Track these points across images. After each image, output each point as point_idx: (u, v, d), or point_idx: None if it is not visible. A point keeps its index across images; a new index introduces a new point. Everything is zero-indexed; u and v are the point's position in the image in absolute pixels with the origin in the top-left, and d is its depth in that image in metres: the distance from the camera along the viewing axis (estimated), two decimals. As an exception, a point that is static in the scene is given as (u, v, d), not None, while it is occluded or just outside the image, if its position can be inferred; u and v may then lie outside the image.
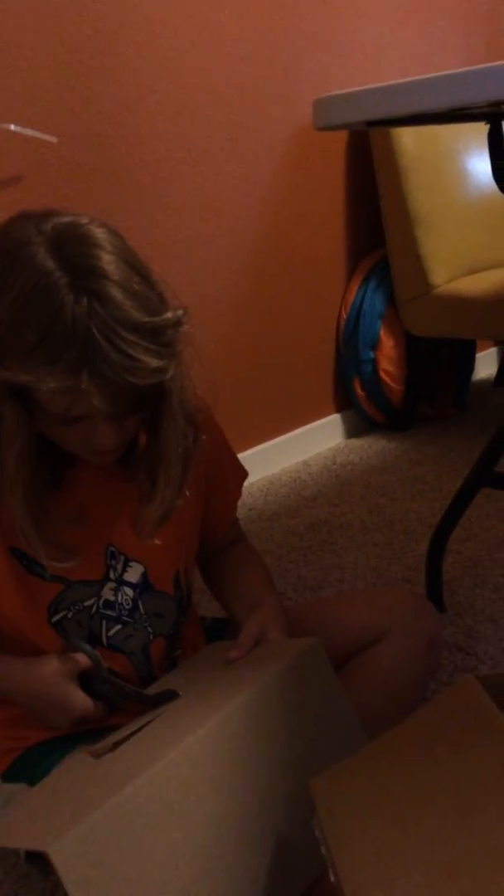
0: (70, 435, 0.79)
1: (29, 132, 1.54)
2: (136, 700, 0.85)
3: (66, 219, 0.75)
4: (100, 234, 0.75)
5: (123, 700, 0.86)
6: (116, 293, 0.72)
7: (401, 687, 0.99)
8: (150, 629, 0.92)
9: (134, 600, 0.91)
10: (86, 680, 0.86)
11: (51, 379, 0.70)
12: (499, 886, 0.52)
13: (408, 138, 2.12)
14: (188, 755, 0.70)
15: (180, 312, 0.76)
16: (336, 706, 0.80)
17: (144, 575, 0.92)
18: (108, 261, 0.73)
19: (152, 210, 1.79)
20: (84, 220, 0.76)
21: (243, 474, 1.07)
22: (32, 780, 0.86)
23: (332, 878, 0.60)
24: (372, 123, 1.11)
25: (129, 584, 0.91)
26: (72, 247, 0.73)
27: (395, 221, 2.18)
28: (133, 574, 0.91)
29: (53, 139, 1.58)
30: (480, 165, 2.26)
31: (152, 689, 0.89)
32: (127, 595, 0.91)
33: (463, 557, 1.59)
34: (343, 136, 2.21)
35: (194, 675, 0.89)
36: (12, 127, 1.52)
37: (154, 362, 0.73)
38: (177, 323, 0.76)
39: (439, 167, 2.19)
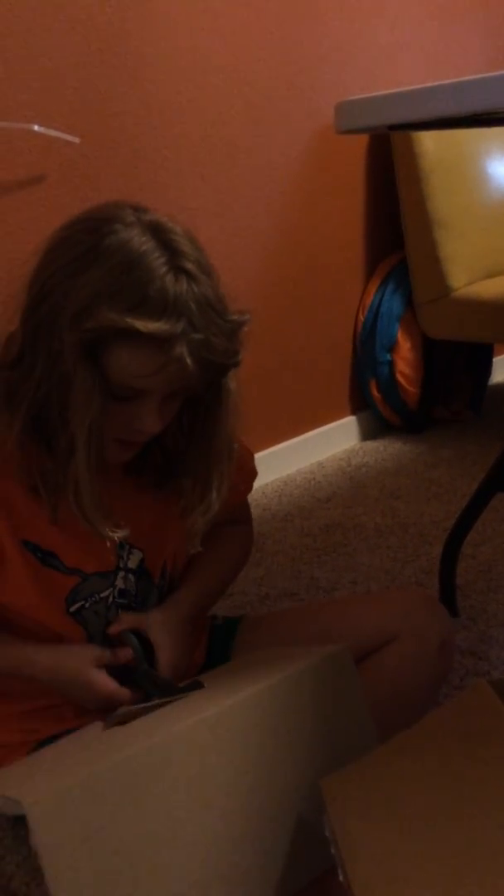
0: (116, 413, 0.80)
1: (52, 132, 1.56)
2: (167, 692, 0.86)
3: (155, 215, 0.81)
4: (182, 231, 0.81)
5: (156, 691, 0.87)
6: (204, 279, 0.78)
7: (412, 689, 0.99)
8: (136, 610, 0.95)
9: (135, 585, 0.94)
10: (122, 669, 0.88)
11: (157, 325, 0.74)
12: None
13: (429, 141, 2.11)
14: (188, 737, 0.69)
15: (247, 316, 0.83)
16: (356, 714, 0.79)
17: (142, 561, 0.94)
18: (193, 251, 0.79)
19: (173, 211, 1.79)
20: (168, 219, 0.81)
21: (249, 453, 1.07)
22: None
23: (341, 878, 0.60)
24: (393, 127, 1.11)
25: (131, 570, 0.93)
26: (166, 234, 0.78)
27: (414, 224, 2.17)
28: (133, 560, 0.93)
29: (76, 139, 1.60)
30: (501, 169, 2.26)
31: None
32: (131, 581, 0.93)
33: (477, 562, 1.59)
34: (364, 138, 2.21)
35: (223, 674, 0.91)
36: (35, 127, 1.53)
37: (230, 345, 0.80)
38: (244, 322, 0.82)
39: (460, 170, 2.19)
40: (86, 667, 0.87)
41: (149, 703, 0.83)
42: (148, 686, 0.88)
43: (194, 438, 0.89)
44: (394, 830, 0.60)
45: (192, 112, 1.81)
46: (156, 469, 0.92)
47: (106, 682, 0.87)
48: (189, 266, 0.77)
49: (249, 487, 1.08)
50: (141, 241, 0.76)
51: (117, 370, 0.77)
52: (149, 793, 0.66)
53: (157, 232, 0.78)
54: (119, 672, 0.89)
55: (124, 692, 0.87)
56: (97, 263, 0.76)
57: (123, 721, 0.81)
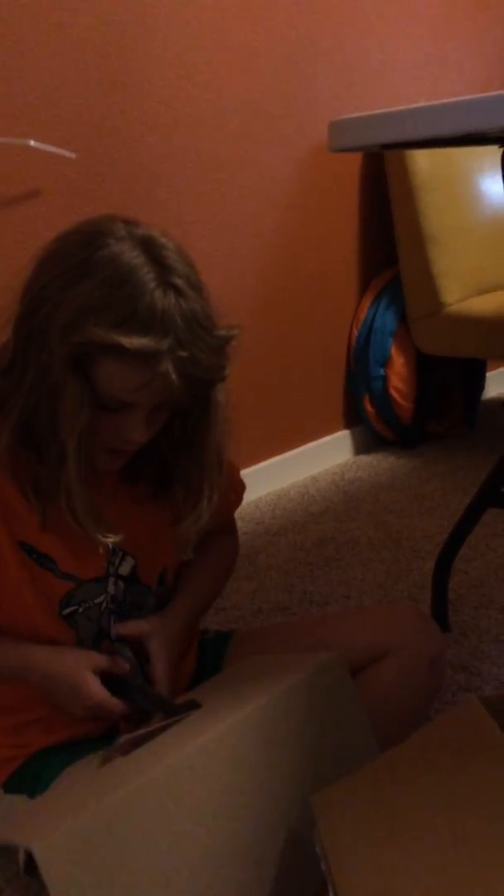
0: (104, 423, 0.81)
1: (48, 148, 1.57)
2: (160, 708, 0.86)
3: (146, 229, 0.82)
4: (174, 246, 0.82)
5: (149, 706, 0.87)
6: (193, 294, 0.79)
7: (403, 705, 0.99)
8: (129, 618, 0.95)
9: (124, 592, 0.94)
10: (116, 682, 0.87)
11: (142, 342, 0.75)
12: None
13: (422, 159, 2.14)
14: (190, 765, 0.69)
15: (235, 331, 0.83)
16: (354, 722, 0.79)
17: (134, 568, 0.94)
18: (183, 266, 0.80)
19: (169, 226, 1.81)
20: (160, 234, 0.82)
21: (235, 467, 1.08)
22: (33, 792, 0.87)
23: (331, 894, 0.60)
24: (387, 146, 1.12)
25: (121, 577, 0.93)
26: (156, 249, 0.79)
27: (407, 240, 2.19)
28: (125, 567, 0.94)
29: (72, 155, 1.61)
30: (494, 186, 2.28)
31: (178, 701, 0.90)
32: (120, 588, 0.93)
33: (469, 577, 1.59)
34: (357, 155, 2.23)
35: (218, 688, 0.90)
36: (32, 143, 1.55)
37: (216, 360, 0.81)
38: (232, 337, 0.83)
39: (453, 187, 2.21)
40: (82, 668, 0.87)
41: (146, 730, 0.82)
42: (142, 701, 0.87)
43: (184, 449, 0.90)
44: (384, 846, 0.60)
45: (187, 129, 1.83)
46: (150, 478, 0.93)
47: (99, 688, 0.86)
48: (178, 282, 0.78)
49: (240, 499, 1.09)
50: (131, 256, 0.77)
51: (104, 383, 0.78)
52: (156, 824, 0.66)
53: (148, 247, 0.79)
54: (112, 684, 0.88)
55: (115, 702, 0.87)
56: (87, 277, 0.77)
57: (124, 751, 0.80)
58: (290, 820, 0.72)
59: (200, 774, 0.69)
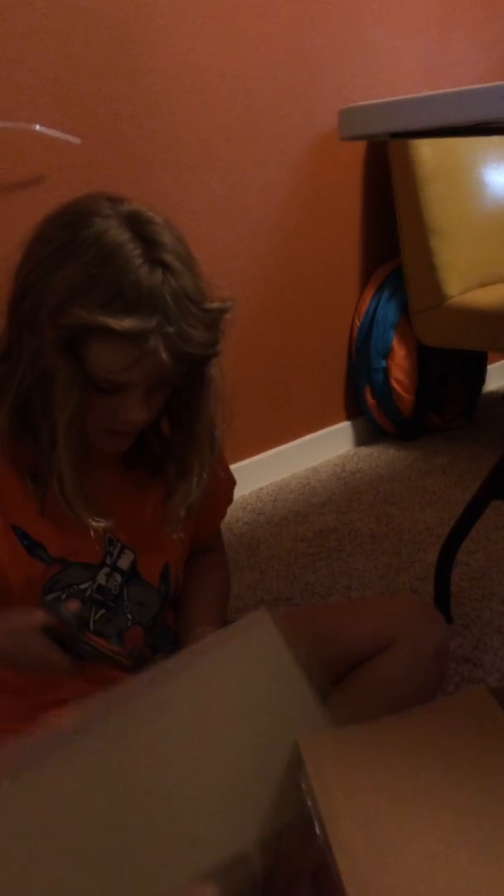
0: (101, 406, 0.81)
1: (53, 133, 1.56)
2: (112, 663, 0.84)
3: (133, 205, 0.81)
4: (162, 221, 0.81)
5: (99, 660, 0.84)
6: (182, 269, 0.78)
7: (406, 695, 0.99)
8: (129, 616, 0.93)
9: (121, 587, 0.93)
10: (63, 638, 0.85)
11: (128, 322, 0.74)
12: (496, 868, 0.53)
13: (426, 149, 2.13)
14: (108, 733, 0.68)
15: (229, 302, 0.82)
16: (288, 679, 0.74)
17: (134, 563, 0.93)
18: (172, 241, 0.79)
19: (171, 213, 1.80)
20: (146, 209, 0.81)
21: (233, 480, 1.08)
22: None
23: (318, 831, 0.60)
24: (396, 135, 1.12)
25: (119, 570, 0.92)
26: (142, 225, 0.78)
27: (410, 232, 2.18)
28: (125, 561, 0.93)
29: (77, 140, 1.60)
30: (498, 178, 2.27)
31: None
32: (116, 581, 0.92)
33: (471, 569, 1.59)
34: (361, 145, 2.22)
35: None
36: (37, 127, 1.53)
37: (208, 336, 0.79)
38: (225, 310, 0.82)
39: (457, 179, 2.20)
40: (24, 623, 0.84)
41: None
42: (88, 654, 0.84)
43: (177, 425, 0.90)
44: (376, 797, 0.60)
45: (192, 116, 1.81)
46: (151, 459, 0.93)
47: (42, 640, 0.83)
48: (166, 257, 0.77)
49: (224, 513, 1.09)
50: (116, 234, 0.77)
51: (96, 364, 0.78)
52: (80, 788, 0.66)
53: (134, 223, 0.78)
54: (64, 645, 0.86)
55: (59, 655, 0.83)
56: (73, 258, 0.76)
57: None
58: (229, 773, 0.69)
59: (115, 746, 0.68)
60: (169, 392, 0.86)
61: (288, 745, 0.68)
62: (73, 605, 0.84)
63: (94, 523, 0.85)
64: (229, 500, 1.09)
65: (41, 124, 1.54)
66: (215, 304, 0.81)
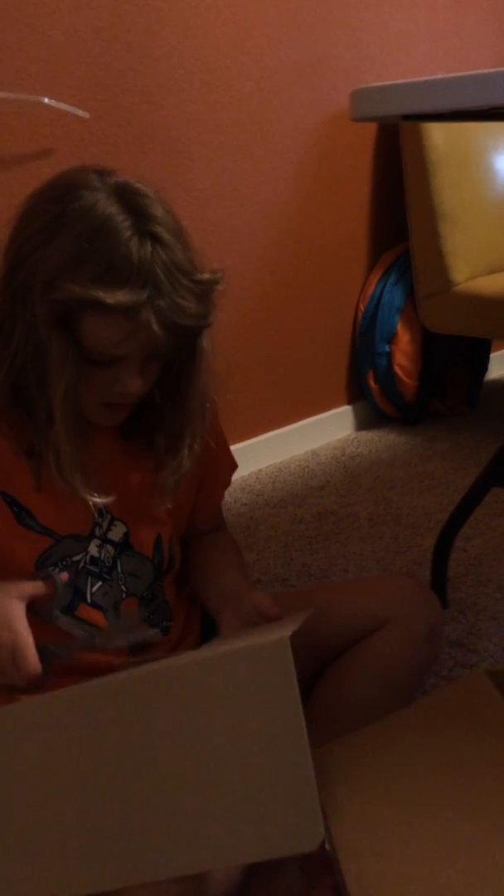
0: (97, 379, 0.81)
1: (62, 106, 1.55)
2: (98, 641, 0.83)
3: (122, 178, 0.81)
4: (152, 193, 0.81)
5: (81, 641, 0.83)
6: (172, 241, 0.78)
7: (398, 673, 1.00)
8: (123, 588, 0.94)
9: (114, 558, 0.93)
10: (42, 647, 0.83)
11: (120, 295, 0.74)
12: (496, 866, 0.54)
13: (438, 134, 2.11)
14: (73, 700, 0.67)
15: (219, 274, 0.82)
16: (286, 714, 0.66)
17: (126, 535, 0.93)
18: (162, 213, 0.79)
19: (178, 191, 1.80)
20: (136, 181, 0.81)
21: (234, 464, 1.09)
22: None
23: (327, 846, 0.61)
24: (408, 117, 1.11)
25: (111, 542, 0.93)
26: (132, 197, 0.78)
27: (419, 216, 2.17)
28: (116, 533, 0.93)
29: (85, 114, 1.59)
30: (508, 165, 2.26)
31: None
32: (108, 553, 0.92)
33: (468, 555, 1.60)
34: (372, 127, 2.20)
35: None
36: (46, 100, 1.52)
37: (200, 308, 0.79)
38: (216, 281, 0.82)
39: (467, 164, 2.18)
40: (12, 596, 0.82)
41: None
42: (67, 627, 0.82)
43: (168, 396, 0.90)
44: (381, 797, 0.61)
45: (201, 93, 1.80)
46: (145, 430, 0.93)
47: (25, 628, 0.80)
48: (156, 229, 0.77)
49: (222, 494, 1.09)
50: (105, 206, 0.77)
51: (89, 337, 0.78)
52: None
53: (123, 195, 0.78)
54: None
55: (33, 657, 0.80)
56: (62, 232, 0.77)
57: None
58: (173, 790, 0.65)
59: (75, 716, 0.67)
60: (163, 363, 0.86)
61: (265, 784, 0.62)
62: (65, 577, 0.85)
63: (92, 499, 0.85)
64: (227, 482, 1.09)
65: (50, 97, 1.53)
66: (206, 276, 0.81)
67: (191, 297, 0.78)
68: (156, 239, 0.77)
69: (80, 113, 1.58)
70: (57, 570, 0.89)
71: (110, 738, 0.65)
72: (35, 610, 0.85)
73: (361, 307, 2.27)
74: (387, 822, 0.60)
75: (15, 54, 1.50)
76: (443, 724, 0.67)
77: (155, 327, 0.76)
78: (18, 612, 0.82)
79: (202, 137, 1.83)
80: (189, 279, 0.78)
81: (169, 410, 0.90)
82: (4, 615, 0.81)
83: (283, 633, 0.68)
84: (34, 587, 0.85)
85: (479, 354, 2.45)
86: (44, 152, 1.57)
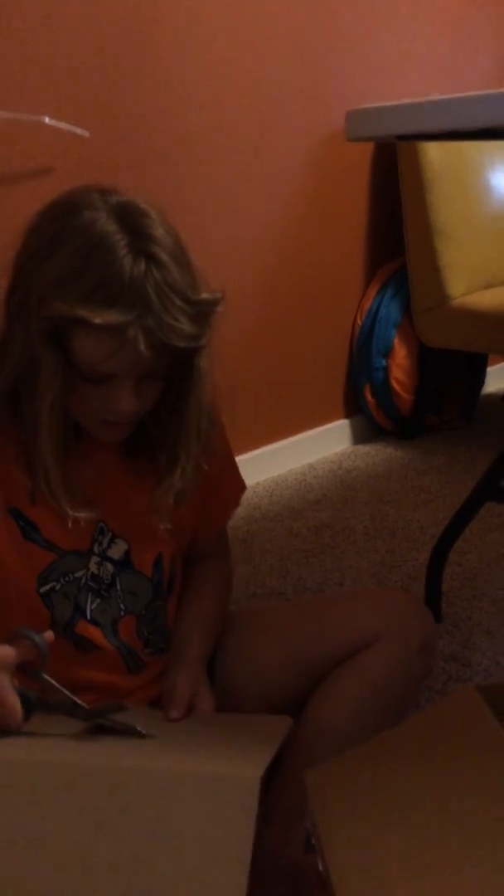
0: (92, 396, 0.82)
1: (62, 125, 1.56)
2: (70, 709, 0.81)
3: (126, 197, 0.82)
4: (154, 213, 0.81)
5: (47, 708, 0.80)
6: (168, 261, 0.78)
7: (392, 688, 1.00)
8: (121, 605, 0.94)
9: (112, 576, 0.93)
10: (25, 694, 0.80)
11: (107, 315, 0.75)
12: (484, 882, 0.54)
13: (433, 151, 2.13)
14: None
15: (219, 295, 0.83)
16: (234, 851, 0.64)
17: (127, 553, 0.94)
18: (162, 233, 0.79)
19: (176, 208, 1.80)
20: (140, 201, 0.82)
21: (242, 486, 1.08)
22: None
23: (321, 867, 0.62)
24: (402, 137, 1.13)
25: (110, 559, 0.93)
26: (132, 217, 0.79)
27: (416, 232, 2.19)
28: (116, 551, 0.93)
29: (85, 133, 1.61)
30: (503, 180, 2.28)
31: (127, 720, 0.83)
32: (107, 570, 0.93)
33: (463, 569, 1.61)
34: (368, 145, 2.22)
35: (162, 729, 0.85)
36: (46, 119, 1.54)
37: (192, 329, 0.79)
38: (214, 302, 0.82)
39: (463, 181, 2.21)
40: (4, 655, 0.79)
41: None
42: (38, 701, 0.80)
43: (168, 415, 0.90)
44: (374, 823, 0.62)
45: (200, 112, 1.82)
46: (152, 449, 0.93)
47: (11, 693, 0.78)
48: (152, 248, 0.77)
49: (229, 516, 1.10)
50: (104, 224, 0.78)
51: (79, 354, 0.80)
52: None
53: (123, 214, 0.79)
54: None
55: (18, 712, 0.78)
56: (59, 249, 0.78)
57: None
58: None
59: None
60: (163, 383, 0.87)
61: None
62: (49, 636, 0.81)
63: (75, 514, 0.86)
64: (234, 503, 1.08)
65: (50, 117, 1.55)
66: (202, 296, 0.80)
67: (184, 317, 0.78)
68: (151, 258, 0.77)
69: (80, 132, 1.60)
70: (58, 586, 0.90)
71: (85, 817, 0.67)
72: (20, 667, 0.81)
73: (358, 321, 2.29)
74: (379, 842, 0.61)
75: (16, 75, 1.52)
76: (433, 742, 0.67)
77: (142, 347, 0.77)
78: (4, 682, 0.78)
79: (200, 155, 1.85)
80: (183, 299, 0.78)
81: (169, 428, 0.91)
82: None
83: (256, 767, 0.70)
84: (20, 655, 0.81)
85: (476, 368, 2.47)
86: (44, 171, 1.59)
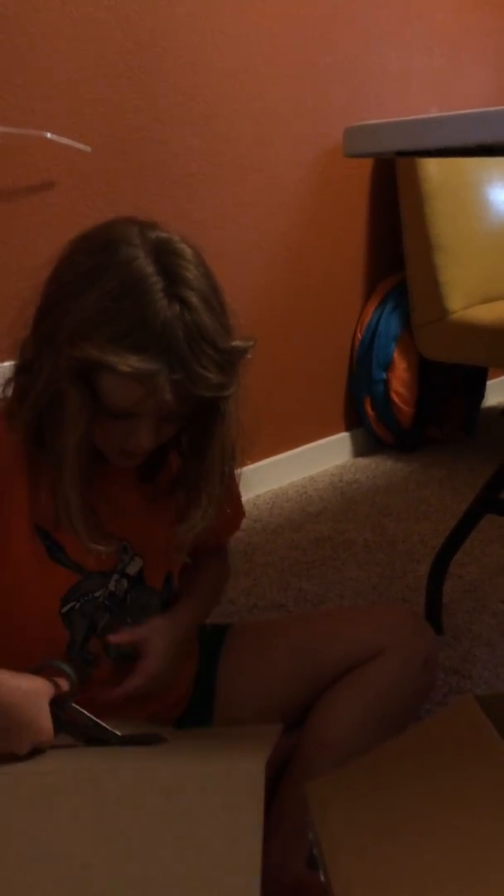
0: (113, 429, 0.82)
1: (64, 141, 1.58)
2: (96, 738, 0.81)
3: (164, 233, 0.81)
4: (190, 253, 0.80)
5: (78, 736, 0.82)
6: (201, 307, 0.77)
7: (394, 704, 1.00)
8: (129, 620, 0.94)
9: (126, 591, 0.94)
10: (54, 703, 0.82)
11: (136, 362, 0.74)
12: (489, 894, 0.54)
13: (432, 166, 2.15)
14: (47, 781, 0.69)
15: (250, 342, 0.82)
16: (243, 840, 0.64)
17: (142, 570, 0.94)
18: (197, 276, 0.79)
19: (178, 223, 1.82)
20: (178, 239, 0.81)
21: (241, 514, 1.08)
22: None
23: (323, 879, 0.62)
24: (401, 153, 1.14)
25: (128, 576, 0.93)
26: (169, 257, 0.78)
27: (415, 246, 2.21)
28: (133, 567, 0.94)
29: (87, 148, 1.62)
30: (502, 196, 2.30)
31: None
32: (122, 586, 0.93)
33: (463, 581, 1.61)
34: (368, 160, 2.24)
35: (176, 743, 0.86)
36: (48, 135, 1.56)
37: (219, 378, 0.79)
38: (244, 350, 0.81)
39: (462, 196, 2.22)
40: (42, 699, 0.80)
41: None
42: (69, 727, 0.81)
43: (190, 452, 0.91)
44: (376, 834, 0.62)
45: (200, 128, 1.84)
46: (164, 477, 0.94)
47: (50, 723, 0.80)
48: (186, 294, 0.76)
49: (237, 525, 1.09)
50: (141, 266, 0.76)
51: (106, 394, 0.79)
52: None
53: (161, 255, 0.78)
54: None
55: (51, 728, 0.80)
56: (94, 286, 0.76)
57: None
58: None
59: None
60: (185, 422, 0.86)
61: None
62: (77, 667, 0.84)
63: (94, 546, 0.86)
64: (235, 527, 1.09)
65: (52, 132, 1.57)
66: (233, 344, 0.79)
67: (212, 366, 0.77)
68: (185, 304, 0.76)
69: (82, 147, 1.61)
70: (77, 605, 0.90)
71: (89, 818, 0.68)
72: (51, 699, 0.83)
73: (359, 335, 2.30)
74: (381, 854, 0.61)
75: (18, 90, 1.54)
76: (434, 753, 0.67)
77: (168, 396, 0.77)
78: (45, 710, 0.80)
79: (202, 171, 1.86)
80: (213, 348, 0.77)
81: (190, 466, 0.90)
82: (38, 725, 0.79)
83: (258, 758, 0.70)
84: (58, 686, 0.83)
85: (476, 382, 2.48)
86: (45, 185, 1.60)
